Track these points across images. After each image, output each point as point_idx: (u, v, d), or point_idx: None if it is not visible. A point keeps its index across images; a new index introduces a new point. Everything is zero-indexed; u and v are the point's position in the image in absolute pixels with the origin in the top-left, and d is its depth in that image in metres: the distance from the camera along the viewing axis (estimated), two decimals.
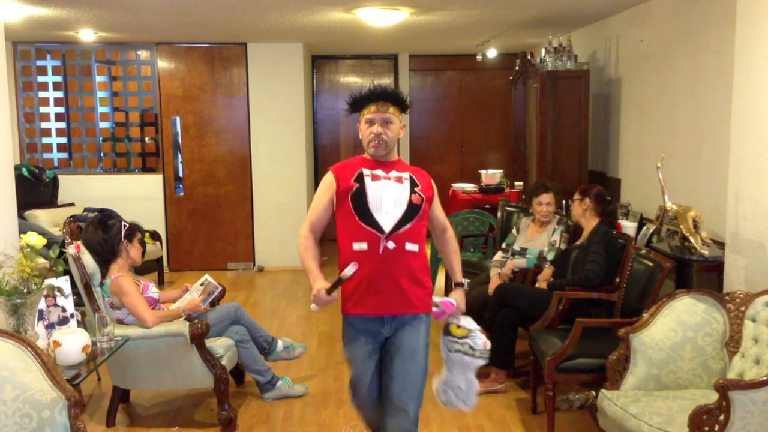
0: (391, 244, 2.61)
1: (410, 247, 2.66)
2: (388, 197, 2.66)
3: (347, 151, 9.22)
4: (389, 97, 2.73)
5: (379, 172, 2.72)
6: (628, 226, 4.71)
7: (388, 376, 2.68)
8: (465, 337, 2.75)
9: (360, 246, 2.62)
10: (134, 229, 3.91)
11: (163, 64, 7.70)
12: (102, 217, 3.97)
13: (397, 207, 2.66)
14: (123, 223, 3.87)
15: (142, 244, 3.99)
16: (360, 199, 2.65)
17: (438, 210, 2.91)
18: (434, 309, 2.77)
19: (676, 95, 4.95)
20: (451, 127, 9.39)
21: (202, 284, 4.10)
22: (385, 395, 2.71)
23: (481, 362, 2.79)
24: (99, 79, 7.95)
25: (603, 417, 3.06)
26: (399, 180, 2.73)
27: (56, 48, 7.72)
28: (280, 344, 4.26)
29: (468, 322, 2.79)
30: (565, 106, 6.01)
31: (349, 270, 2.56)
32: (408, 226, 2.66)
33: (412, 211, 2.68)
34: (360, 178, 2.70)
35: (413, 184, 2.74)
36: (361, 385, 2.76)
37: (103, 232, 3.80)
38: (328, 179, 2.75)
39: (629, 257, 3.99)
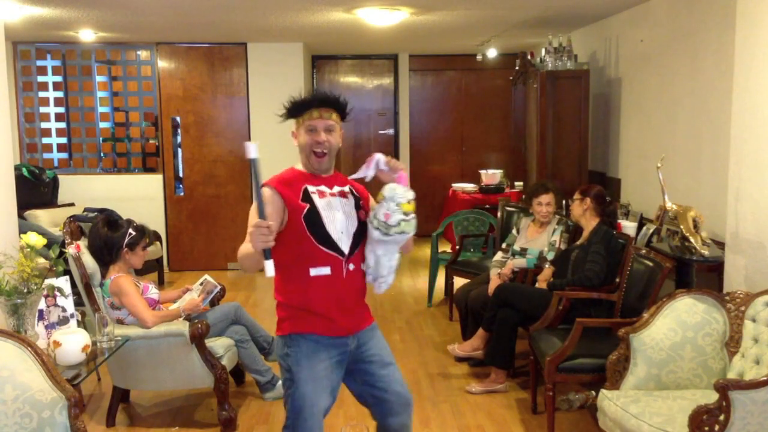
0: (351, 266, 2.50)
1: (363, 266, 2.54)
2: (340, 216, 2.49)
3: (346, 151, 9.21)
4: (333, 104, 2.53)
5: (323, 188, 2.51)
6: (628, 226, 4.71)
7: (379, 389, 2.59)
8: (378, 204, 2.41)
9: (321, 271, 2.44)
10: (138, 239, 3.84)
11: (163, 64, 7.70)
12: (112, 215, 3.95)
13: (350, 226, 2.50)
14: (129, 230, 3.82)
15: (146, 248, 3.96)
16: (315, 221, 2.44)
17: None
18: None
19: (676, 95, 4.95)
20: (451, 127, 9.40)
21: (201, 284, 4.10)
22: (380, 400, 2.61)
23: (376, 235, 2.39)
24: (99, 79, 7.95)
25: (603, 417, 3.06)
26: (344, 195, 2.55)
27: (56, 48, 7.72)
28: None
29: (389, 189, 2.40)
30: (565, 106, 6.01)
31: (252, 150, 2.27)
32: (360, 244, 2.52)
33: (361, 229, 2.52)
34: (307, 197, 2.48)
35: (356, 198, 2.58)
36: (312, 410, 2.44)
37: (109, 230, 3.79)
38: (268, 194, 2.43)
39: (629, 257, 3.99)
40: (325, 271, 2.45)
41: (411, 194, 2.41)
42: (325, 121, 2.52)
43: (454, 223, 6.43)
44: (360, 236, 2.52)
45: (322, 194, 2.51)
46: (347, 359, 2.57)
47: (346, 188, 2.60)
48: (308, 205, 2.47)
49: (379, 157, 2.43)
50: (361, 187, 2.68)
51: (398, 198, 2.37)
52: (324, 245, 2.45)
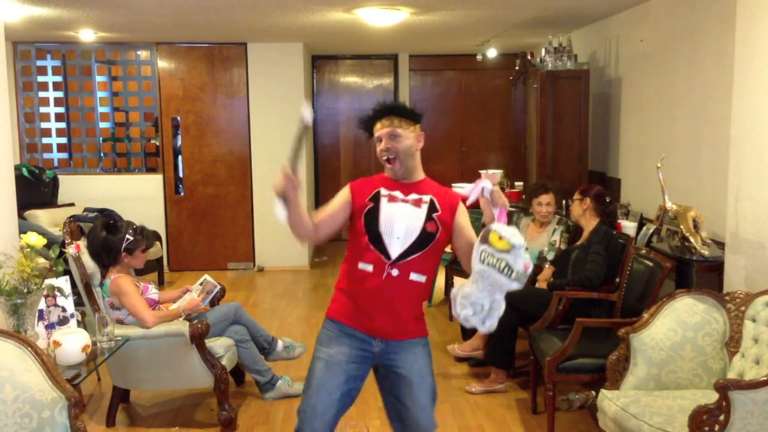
0: (395, 272, 2.48)
1: (415, 277, 2.51)
2: (400, 222, 2.51)
3: (347, 152, 9.23)
4: (393, 111, 2.59)
5: (397, 193, 2.57)
6: (628, 226, 4.71)
7: (402, 405, 2.59)
8: (506, 251, 2.27)
9: (365, 267, 2.51)
10: (137, 243, 3.82)
11: (163, 64, 7.70)
12: (111, 217, 3.94)
13: (409, 233, 2.50)
14: (127, 235, 3.80)
15: (146, 249, 3.95)
16: (372, 220, 2.52)
17: (467, 236, 2.61)
18: (484, 193, 2.38)
19: (676, 95, 4.95)
20: (451, 127, 9.39)
21: (201, 284, 4.10)
22: (401, 422, 2.62)
23: (516, 286, 2.29)
24: (99, 79, 7.96)
25: (603, 417, 3.06)
26: (417, 203, 2.56)
27: (56, 48, 7.72)
28: (280, 344, 4.26)
29: (513, 235, 2.29)
30: (565, 106, 6.01)
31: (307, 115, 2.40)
32: (417, 255, 2.50)
33: (424, 239, 2.51)
34: (376, 198, 2.57)
35: (432, 209, 2.56)
36: (319, 389, 2.52)
37: (108, 233, 3.78)
38: (344, 193, 2.63)
39: (629, 257, 3.99)
40: (368, 268, 2.51)
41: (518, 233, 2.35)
42: (387, 129, 2.58)
43: None
44: (417, 248, 2.51)
45: (392, 199, 2.57)
46: (372, 359, 2.60)
47: (426, 197, 2.59)
48: (372, 205, 2.56)
49: (486, 186, 2.39)
50: (451, 197, 2.64)
51: (521, 243, 2.30)
52: (373, 243, 2.52)
